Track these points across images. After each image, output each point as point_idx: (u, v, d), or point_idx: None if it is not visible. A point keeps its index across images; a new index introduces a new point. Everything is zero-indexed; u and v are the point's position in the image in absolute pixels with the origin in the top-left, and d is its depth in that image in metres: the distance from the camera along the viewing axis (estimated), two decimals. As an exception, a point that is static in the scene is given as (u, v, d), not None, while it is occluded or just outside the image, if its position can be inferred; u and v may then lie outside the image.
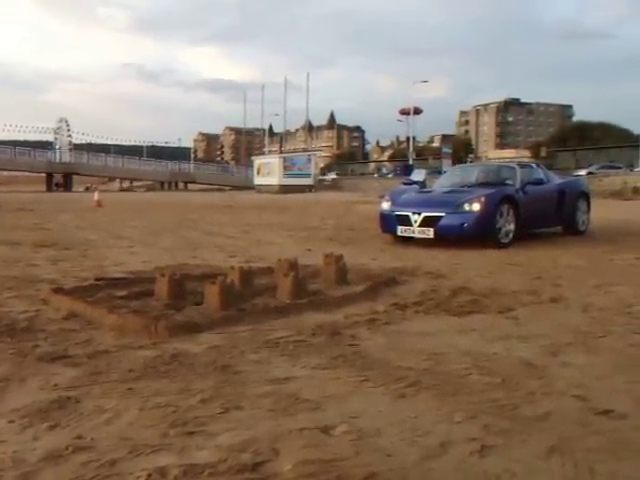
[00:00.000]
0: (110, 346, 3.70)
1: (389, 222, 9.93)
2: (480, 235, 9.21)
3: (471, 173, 11.65)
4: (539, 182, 10.44)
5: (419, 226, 9.33)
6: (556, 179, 11.60)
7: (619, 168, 37.64)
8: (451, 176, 12.03)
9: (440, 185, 11.15)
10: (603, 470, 2.15)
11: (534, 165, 12.12)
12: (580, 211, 11.17)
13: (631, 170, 35.58)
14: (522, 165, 11.44)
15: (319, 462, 2.19)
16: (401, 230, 9.59)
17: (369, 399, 2.83)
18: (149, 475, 2.11)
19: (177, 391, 2.93)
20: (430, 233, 9.24)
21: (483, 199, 9.21)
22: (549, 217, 10.71)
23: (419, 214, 9.36)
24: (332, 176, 62.20)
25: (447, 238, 9.23)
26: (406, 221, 9.51)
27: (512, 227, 9.41)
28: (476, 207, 9.14)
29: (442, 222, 9.18)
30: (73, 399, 2.83)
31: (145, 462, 2.21)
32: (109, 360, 3.43)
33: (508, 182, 10.27)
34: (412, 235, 9.48)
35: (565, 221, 11.00)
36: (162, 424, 2.54)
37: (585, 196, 11.56)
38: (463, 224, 9.11)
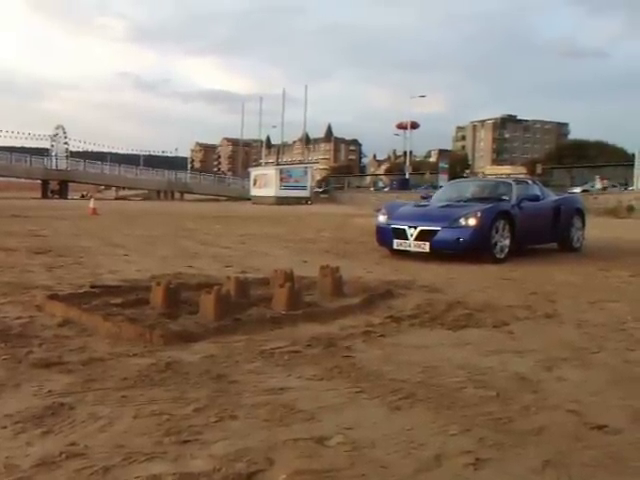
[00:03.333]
0: (105, 353, 3.69)
1: (385, 235, 9.93)
2: (476, 250, 9.22)
3: (467, 188, 11.69)
4: (535, 198, 10.51)
5: (415, 240, 9.33)
6: (552, 196, 11.67)
7: (614, 187, 37.87)
8: (447, 191, 12.04)
9: (437, 199, 11.15)
10: (598, 485, 2.15)
11: (530, 181, 12.19)
12: (575, 228, 11.22)
13: (625, 189, 35.76)
14: (518, 181, 11.49)
15: (314, 472, 2.18)
16: (397, 244, 9.59)
17: (364, 411, 2.83)
18: (143, 483, 2.10)
19: (171, 400, 2.92)
20: (426, 247, 9.24)
21: (479, 214, 9.23)
22: (544, 233, 10.73)
23: (415, 228, 9.37)
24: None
25: (443, 252, 9.25)
26: (402, 235, 9.51)
27: (507, 242, 9.43)
28: (472, 222, 9.15)
29: (438, 236, 9.18)
30: (67, 406, 2.81)
31: (139, 470, 2.20)
32: (104, 367, 3.42)
33: (504, 198, 10.30)
34: (408, 249, 9.49)
35: (560, 237, 11.04)
36: (156, 432, 2.53)
37: (580, 213, 11.62)
38: (459, 239, 9.11)
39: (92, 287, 5.90)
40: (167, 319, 4.56)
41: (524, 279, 7.49)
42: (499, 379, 3.35)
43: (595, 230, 13.31)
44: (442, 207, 10.10)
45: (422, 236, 9.27)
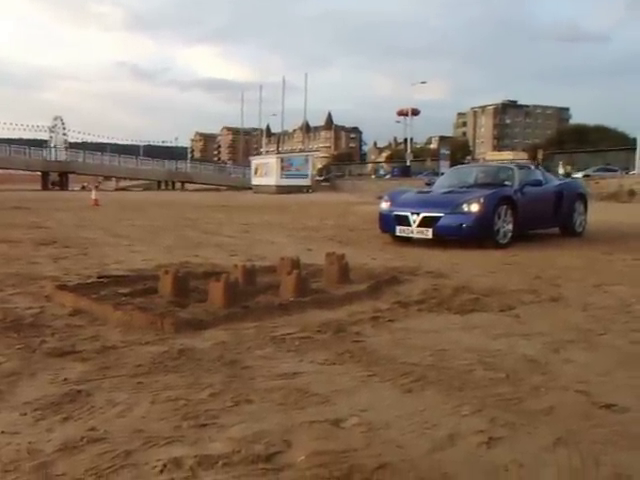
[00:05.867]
0: (117, 342, 3.73)
1: (388, 222, 9.98)
2: (478, 235, 9.26)
3: (470, 174, 11.70)
4: (537, 183, 10.52)
5: (418, 226, 9.38)
6: (554, 180, 11.72)
7: (615, 171, 37.75)
8: (450, 177, 12.03)
9: (439, 186, 11.15)
10: (608, 461, 2.20)
11: (532, 166, 12.19)
12: (577, 212, 11.24)
13: (627, 173, 35.68)
14: (520, 166, 11.50)
15: (331, 453, 2.23)
16: (400, 230, 9.64)
17: (377, 393, 2.88)
18: (164, 465, 2.14)
19: (187, 385, 2.97)
20: (429, 233, 9.29)
21: (482, 200, 9.25)
22: (547, 218, 10.76)
23: (418, 214, 9.42)
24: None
25: (445, 238, 9.29)
26: (405, 221, 9.56)
27: (510, 228, 9.47)
28: (475, 208, 9.18)
29: (441, 222, 9.23)
30: (84, 393, 2.86)
31: (160, 453, 2.24)
32: (117, 355, 3.47)
33: (506, 183, 10.34)
34: (411, 235, 9.54)
35: (562, 222, 11.07)
36: (174, 417, 2.57)
37: (582, 198, 11.64)
38: (462, 224, 9.15)
39: (100, 277, 5.94)
40: (177, 307, 4.60)
41: (528, 264, 7.53)
42: (508, 361, 3.40)
43: (597, 214, 13.32)
44: (445, 193, 10.12)
45: (425, 222, 9.32)
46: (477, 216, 9.16)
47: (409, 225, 9.49)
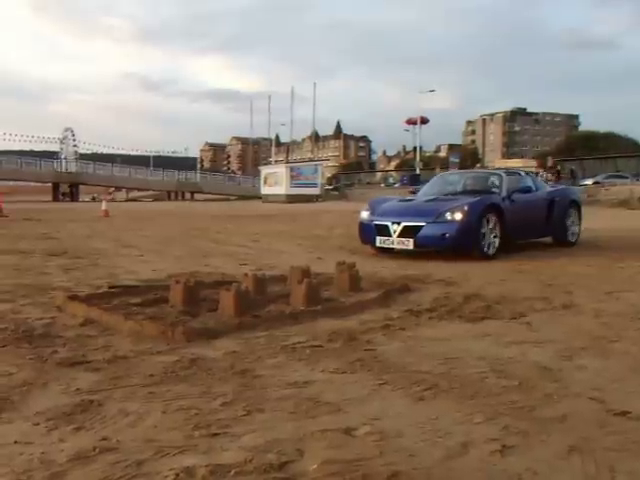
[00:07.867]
0: (128, 351, 3.74)
1: (368, 232, 9.43)
2: (463, 246, 8.81)
3: (456, 181, 11.15)
4: (527, 190, 10.06)
5: (398, 236, 8.84)
6: (546, 187, 11.27)
7: (625, 178, 37.58)
8: (435, 184, 11.27)
9: (423, 193, 10.63)
10: (623, 468, 2.18)
11: (522, 173, 11.53)
12: (570, 221, 10.73)
13: (637, 180, 35.53)
14: (509, 172, 10.85)
15: (344, 462, 2.22)
16: (380, 241, 9.08)
17: (389, 402, 2.87)
18: (177, 475, 2.14)
19: (198, 394, 2.97)
20: (409, 244, 8.75)
21: (466, 208, 8.71)
22: (537, 227, 10.26)
23: (398, 224, 8.86)
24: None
25: (428, 249, 8.93)
26: (385, 231, 9.00)
27: (497, 237, 8.96)
28: (458, 216, 8.65)
29: (422, 232, 8.66)
30: (96, 402, 2.86)
31: (172, 462, 2.24)
32: (128, 365, 3.47)
33: (494, 190, 9.86)
34: (391, 246, 9.03)
35: (554, 231, 10.58)
36: (186, 426, 2.57)
37: (576, 205, 11.10)
38: (444, 234, 8.62)
39: (110, 287, 5.96)
40: (187, 317, 4.61)
41: (538, 271, 7.48)
42: (520, 369, 3.38)
43: (607, 221, 13.27)
44: (428, 201, 9.60)
45: (406, 232, 8.77)
46: (461, 225, 8.59)
47: (389, 235, 8.92)
